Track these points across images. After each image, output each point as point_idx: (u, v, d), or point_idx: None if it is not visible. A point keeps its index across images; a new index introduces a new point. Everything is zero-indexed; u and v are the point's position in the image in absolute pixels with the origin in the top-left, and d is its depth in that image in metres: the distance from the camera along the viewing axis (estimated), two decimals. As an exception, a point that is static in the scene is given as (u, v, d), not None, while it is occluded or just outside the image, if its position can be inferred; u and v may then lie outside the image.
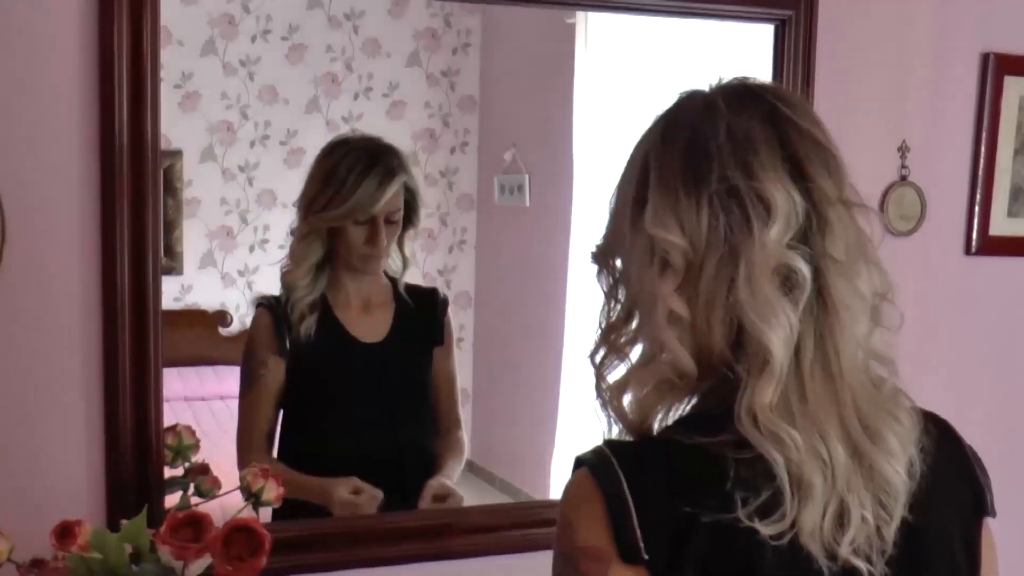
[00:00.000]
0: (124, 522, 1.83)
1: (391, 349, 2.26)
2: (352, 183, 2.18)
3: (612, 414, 1.22)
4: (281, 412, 2.28)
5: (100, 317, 1.95)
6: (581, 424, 3.33)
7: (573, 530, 1.12)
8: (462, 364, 4.91)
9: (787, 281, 1.12)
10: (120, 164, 1.90)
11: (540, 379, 3.83)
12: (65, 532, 1.76)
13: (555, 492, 3.36)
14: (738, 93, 1.20)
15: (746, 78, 1.25)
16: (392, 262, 2.32)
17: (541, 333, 3.85)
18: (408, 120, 4.67)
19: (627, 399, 1.20)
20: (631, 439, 1.18)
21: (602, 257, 1.29)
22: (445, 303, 2.36)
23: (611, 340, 1.25)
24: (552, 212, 3.75)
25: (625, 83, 3.32)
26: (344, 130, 4.54)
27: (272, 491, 1.95)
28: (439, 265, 4.98)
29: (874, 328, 1.19)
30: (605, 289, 1.28)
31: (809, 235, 1.15)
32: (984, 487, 1.31)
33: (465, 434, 2.36)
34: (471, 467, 4.74)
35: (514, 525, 2.29)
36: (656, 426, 1.18)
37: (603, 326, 1.28)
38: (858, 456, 1.15)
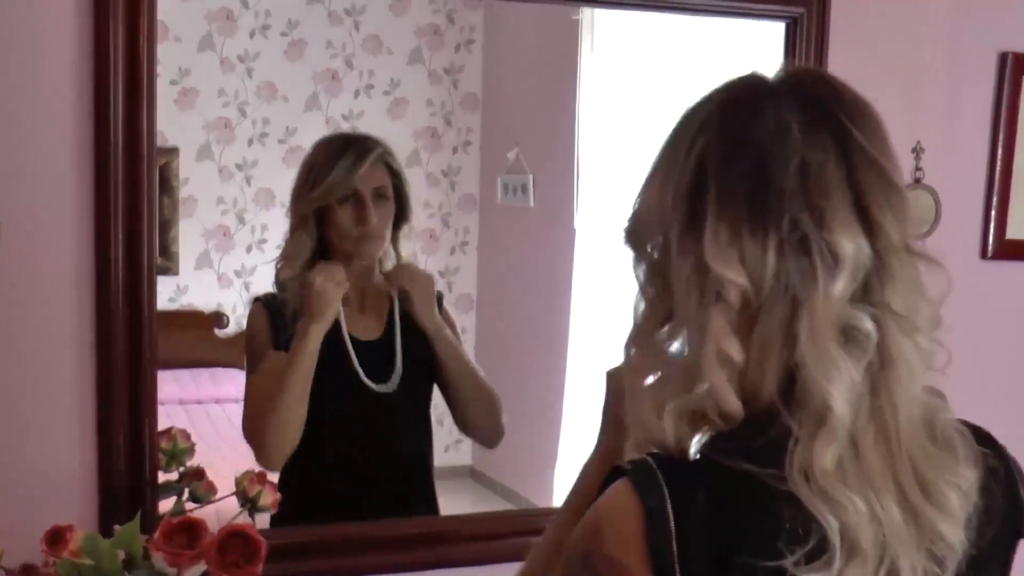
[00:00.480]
0: (117, 527, 1.83)
1: (388, 347, 2.26)
2: (329, 163, 2.19)
3: (645, 423, 1.17)
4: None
5: (93, 318, 1.95)
6: (586, 430, 3.32)
7: (601, 536, 1.10)
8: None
9: (849, 337, 1.09)
10: (115, 162, 1.90)
11: (544, 384, 3.83)
12: (56, 537, 1.76)
13: (558, 499, 3.35)
14: (813, 112, 1.14)
15: (820, 76, 1.20)
16: (390, 261, 2.32)
17: (545, 337, 3.85)
18: (409, 118, 4.67)
19: (660, 413, 1.16)
20: (669, 455, 1.14)
21: (636, 238, 1.23)
22: (440, 297, 2.36)
23: (644, 341, 1.20)
24: (556, 213, 3.75)
25: (631, 81, 3.32)
26: (345, 128, 4.54)
27: (269, 497, 1.95)
28: (440, 266, 4.97)
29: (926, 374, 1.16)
30: (640, 278, 1.22)
31: (869, 283, 1.12)
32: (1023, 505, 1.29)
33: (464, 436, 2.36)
34: (472, 473, 4.74)
35: (516, 533, 2.29)
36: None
37: (637, 322, 1.23)
38: (913, 515, 1.12)
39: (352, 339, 2.23)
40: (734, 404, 1.09)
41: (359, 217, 2.20)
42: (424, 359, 2.32)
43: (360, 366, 2.22)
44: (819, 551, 1.08)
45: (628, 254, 1.22)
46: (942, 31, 2.73)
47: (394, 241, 2.35)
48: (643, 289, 1.20)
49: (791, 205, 1.07)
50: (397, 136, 4.50)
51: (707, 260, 1.08)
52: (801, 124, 1.11)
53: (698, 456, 1.12)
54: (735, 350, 1.08)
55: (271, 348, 2.15)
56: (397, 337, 2.27)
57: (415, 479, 2.33)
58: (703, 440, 1.12)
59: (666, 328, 1.16)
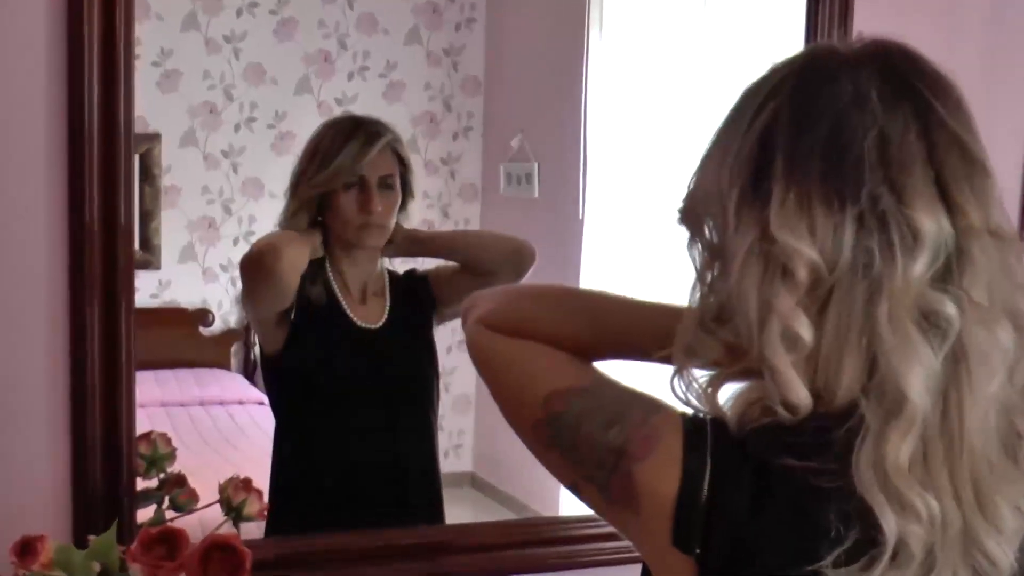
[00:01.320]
0: (92, 538, 1.82)
1: (388, 330, 2.27)
2: (336, 147, 2.20)
3: (703, 404, 1.16)
4: (272, 413, 2.28)
5: (67, 315, 1.94)
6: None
7: (648, 405, 1.13)
8: (463, 367, 4.90)
9: (930, 322, 1.07)
10: (90, 149, 1.89)
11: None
12: (26, 549, 1.76)
13: (565, 508, 3.35)
14: (894, 83, 1.12)
15: (901, 47, 1.18)
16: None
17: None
18: (406, 102, 4.67)
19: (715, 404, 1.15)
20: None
21: (692, 217, 1.20)
22: (424, 277, 2.37)
23: (698, 328, 1.18)
24: (563, 204, 3.74)
25: (642, 63, 3.31)
26: (337, 113, 4.53)
27: (255, 505, 1.94)
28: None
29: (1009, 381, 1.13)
30: (697, 261, 1.20)
31: (949, 268, 1.10)
32: None
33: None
34: (473, 481, 4.74)
35: (520, 544, 2.28)
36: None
37: (692, 308, 1.20)
38: (964, 528, 1.11)
39: (356, 326, 2.24)
40: (801, 395, 1.07)
41: (363, 205, 2.21)
42: (426, 347, 2.33)
43: (363, 355, 2.24)
44: (860, 551, 1.07)
45: (683, 235, 1.19)
46: (979, 4, 2.70)
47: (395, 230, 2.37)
48: (700, 273, 1.18)
49: (870, 176, 1.05)
50: (393, 121, 4.47)
51: (773, 230, 1.06)
52: (881, 94, 1.09)
53: (753, 444, 1.10)
54: (805, 329, 1.06)
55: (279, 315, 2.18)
56: (397, 326, 2.28)
57: (419, 486, 2.33)
58: (757, 428, 1.10)
59: (724, 313, 1.14)
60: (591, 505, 1.24)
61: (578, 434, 1.22)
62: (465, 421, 5.02)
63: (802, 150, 1.07)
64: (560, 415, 1.25)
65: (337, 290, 2.24)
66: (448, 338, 4.71)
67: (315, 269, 2.22)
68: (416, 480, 2.34)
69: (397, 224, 2.29)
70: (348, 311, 2.21)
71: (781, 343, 1.05)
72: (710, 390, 1.15)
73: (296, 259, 2.09)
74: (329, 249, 2.23)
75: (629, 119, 3.38)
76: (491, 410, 4.80)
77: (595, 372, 1.29)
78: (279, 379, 2.25)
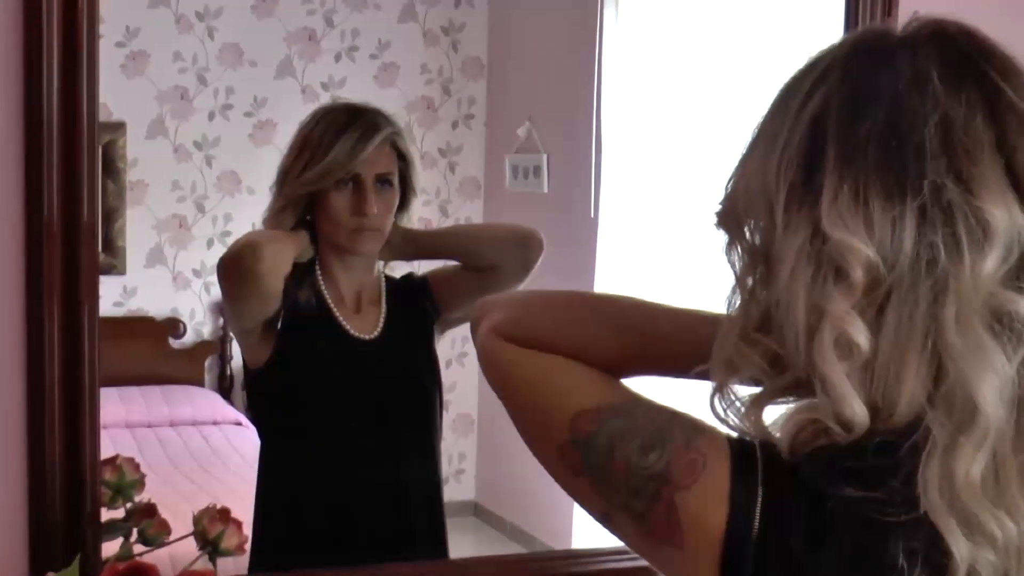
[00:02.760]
0: (51, 574, 1.82)
1: (385, 341, 2.26)
2: (328, 141, 2.17)
3: (748, 426, 1.15)
4: (257, 435, 2.28)
5: (22, 326, 1.94)
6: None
7: (690, 426, 1.13)
8: (465, 384, 4.90)
9: (1003, 324, 1.07)
10: (48, 140, 1.88)
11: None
12: (-21, 587, 1.75)
13: (579, 540, 3.33)
14: (956, 64, 1.11)
15: (962, 26, 1.17)
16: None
17: (561, 347, 3.83)
18: (401, 87, 4.65)
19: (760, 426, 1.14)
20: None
21: (732, 219, 1.18)
22: (423, 280, 2.36)
23: (737, 340, 1.16)
24: (575, 200, 3.74)
25: (662, 44, 3.31)
26: (324, 99, 4.52)
27: (233, 538, 1.94)
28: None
29: None
30: (736, 266, 1.18)
31: (1021, 267, 1.09)
32: None
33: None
34: (476, 510, 4.73)
35: (528, 581, 2.28)
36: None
37: (730, 317, 1.19)
38: None
39: (350, 336, 2.24)
40: (857, 407, 1.06)
41: (357, 206, 2.19)
42: (427, 359, 2.33)
43: (359, 368, 2.23)
44: None
45: (721, 239, 1.18)
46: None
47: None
48: (740, 279, 1.16)
49: (933, 164, 1.04)
50: (386, 108, 4.45)
51: (825, 228, 1.05)
52: (942, 76, 1.08)
53: (808, 471, 1.09)
54: (861, 335, 1.04)
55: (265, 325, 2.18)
56: (395, 337, 2.28)
57: (421, 511, 2.32)
58: (812, 452, 1.09)
59: (767, 323, 1.13)
60: (624, 537, 1.22)
61: (612, 459, 1.19)
62: (466, 444, 5.00)
63: (856, 138, 1.06)
64: (590, 437, 1.22)
65: (329, 298, 2.23)
66: (447, 351, 4.69)
67: (303, 274, 2.21)
68: (417, 508, 2.33)
69: (395, 224, 2.28)
70: (341, 320, 2.20)
71: (834, 351, 1.04)
72: (754, 410, 1.14)
73: (279, 259, 2.07)
74: (319, 253, 2.22)
75: (647, 106, 3.37)
76: (496, 431, 4.82)
77: (627, 389, 1.27)
78: (265, 397, 2.24)
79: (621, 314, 1.37)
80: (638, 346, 1.31)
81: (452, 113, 4.69)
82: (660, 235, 3.30)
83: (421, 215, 4.50)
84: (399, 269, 2.54)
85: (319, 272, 2.21)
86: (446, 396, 4.64)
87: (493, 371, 1.43)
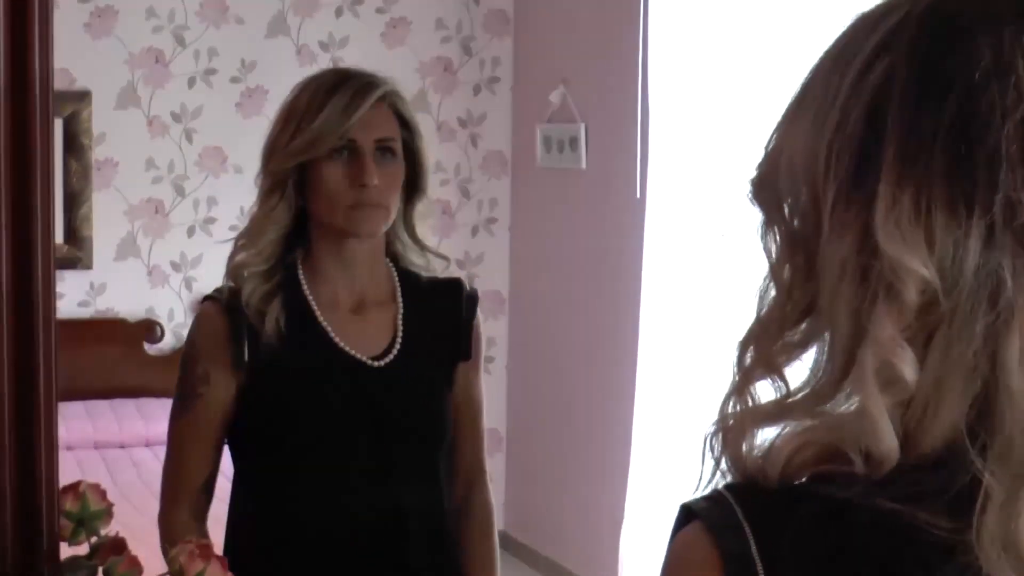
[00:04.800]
0: (3, 623, 1.81)
1: (396, 369, 2.23)
2: (317, 104, 2.14)
3: (724, 451, 1.15)
4: (231, 460, 2.26)
5: (-31, 329, 1.94)
6: (664, 479, 3.30)
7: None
8: (491, 394, 4.86)
9: None
10: (-4, 110, 1.88)
11: (604, 416, 3.81)
12: (-81, 638, 1.76)
13: (627, 574, 3.33)
14: None
15: None
16: (399, 245, 2.29)
17: (605, 350, 3.83)
18: (413, 46, 4.64)
19: (760, 440, 1.14)
20: (755, 484, 1.12)
21: (768, 193, 1.16)
22: (473, 300, 2.31)
23: (764, 343, 1.15)
24: (618, 177, 3.73)
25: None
26: (323, 60, 4.50)
27: (217, 578, 1.93)
28: (458, 252, 4.90)
29: None
30: (771, 251, 1.16)
31: None
32: None
33: (492, 493, 2.32)
34: (505, 541, 4.72)
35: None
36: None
37: (761, 315, 1.17)
38: None
39: (344, 356, 2.20)
40: (889, 444, 1.05)
41: (355, 175, 2.14)
42: (444, 388, 2.29)
43: (354, 397, 2.20)
44: None
45: (755, 217, 1.16)
46: None
47: (407, 220, 2.31)
48: (775, 269, 1.15)
49: (1008, 176, 1.03)
50: (395, 71, 4.42)
51: (879, 239, 1.03)
52: None
53: (799, 483, 1.09)
54: (909, 367, 1.03)
55: (223, 368, 2.12)
56: (408, 356, 2.24)
57: (423, 548, 2.31)
58: (818, 472, 1.09)
59: (803, 326, 1.12)
60: None
61: None
62: (493, 465, 4.96)
63: (922, 135, 1.04)
64: None
65: (316, 305, 2.19)
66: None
67: (282, 280, 2.17)
68: (418, 541, 2.31)
69: (409, 219, 2.24)
70: (333, 335, 2.16)
71: (875, 381, 1.04)
72: (752, 424, 1.13)
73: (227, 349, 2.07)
74: (309, 246, 2.19)
75: (701, 67, 3.35)
76: (527, 449, 4.83)
77: None
78: (236, 428, 2.23)
79: None
80: None
81: (474, 76, 4.67)
82: (717, 218, 3.28)
83: (437, 195, 4.50)
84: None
85: (302, 275, 2.17)
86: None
87: None
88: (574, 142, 3.98)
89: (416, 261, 2.20)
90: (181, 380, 2.13)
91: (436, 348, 2.16)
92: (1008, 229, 1.02)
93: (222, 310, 2.03)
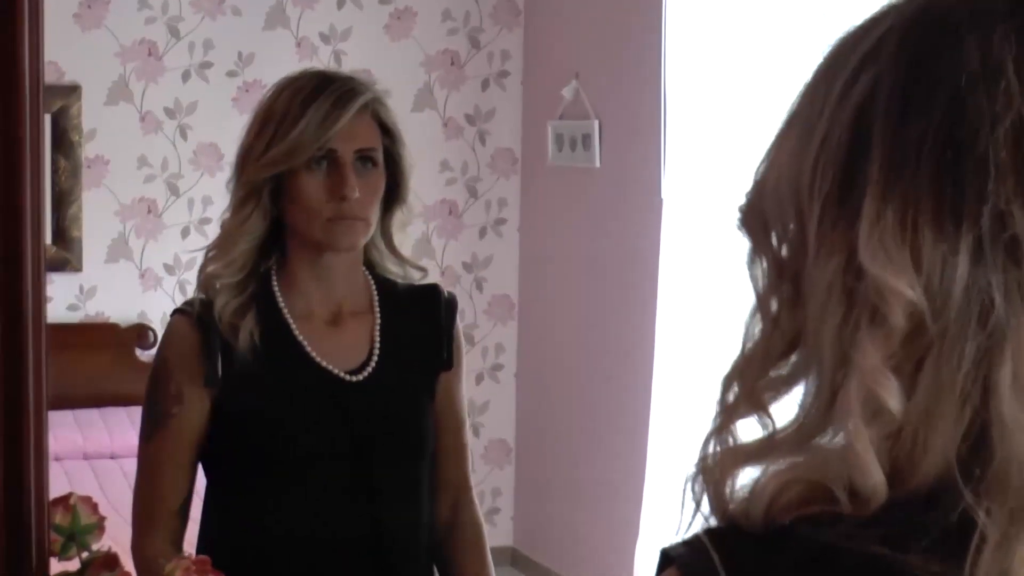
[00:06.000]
0: (-10, 642, 1.82)
1: (374, 383, 2.23)
2: (296, 111, 2.15)
3: (705, 493, 1.15)
4: (203, 478, 2.27)
5: (-46, 334, 1.95)
6: (681, 493, 3.29)
7: None
8: (500, 404, 4.88)
9: None
10: (-18, 105, 1.89)
11: (617, 426, 3.81)
12: (-98, 657, 1.76)
13: (640, 597, 3.33)
14: None
15: None
16: (376, 253, 2.29)
17: (619, 357, 3.83)
18: (418, 38, 4.63)
19: (741, 480, 1.13)
20: (736, 526, 1.12)
21: (755, 221, 1.16)
22: (452, 307, 2.32)
23: (748, 378, 1.16)
24: (634, 176, 3.73)
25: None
26: (324, 53, 4.51)
27: (212, 595, 1.94)
28: (465, 256, 4.91)
29: None
30: (758, 282, 1.16)
31: None
32: None
33: (479, 508, 2.32)
34: (513, 558, 4.72)
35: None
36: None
37: (747, 348, 1.18)
38: None
39: (320, 370, 2.20)
40: (875, 480, 1.05)
41: (334, 187, 2.15)
42: (425, 399, 2.29)
43: (331, 411, 2.20)
44: None
45: (744, 246, 1.17)
46: None
47: (384, 230, 2.31)
48: (761, 299, 1.15)
49: (998, 186, 1.02)
50: (400, 65, 4.46)
51: (862, 259, 1.02)
52: (1020, 65, 1.06)
53: (784, 527, 1.08)
54: (894, 397, 1.03)
55: (195, 385, 2.12)
56: (387, 367, 2.24)
57: (407, 569, 2.31)
58: (802, 515, 1.09)
59: (791, 359, 1.12)
60: None
61: None
62: (502, 477, 4.99)
63: (907, 143, 1.03)
64: None
65: (291, 319, 2.19)
66: (478, 363, 4.70)
67: (255, 291, 2.17)
68: (402, 562, 2.32)
69: (387, 228, 2.24)
70: (308, 348, 2.16)
71: (860, 414, 1.03)
72: (734, 463, 1.12)
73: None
74: (286, 257, 2.19)
75: (723, 60, 3.35)
76: (537, 462, 4.83)
77: None
78: (206, 454, 2.24)
79: None
80: None
81: (482, 70, 4.67)
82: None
83: (443, 196, 4.52)
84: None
85: (277, 286, 2.17)
86: (478, 419, 4.65)
87: None
88: (587, 139, 3.98)
89: (393, 269, 2.19)
90: (151, 399, 2.13)
91: (416, 358, 2.16)
92: (998, 243, 1.01)
93: (193, 324, 2.02)
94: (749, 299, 1.10)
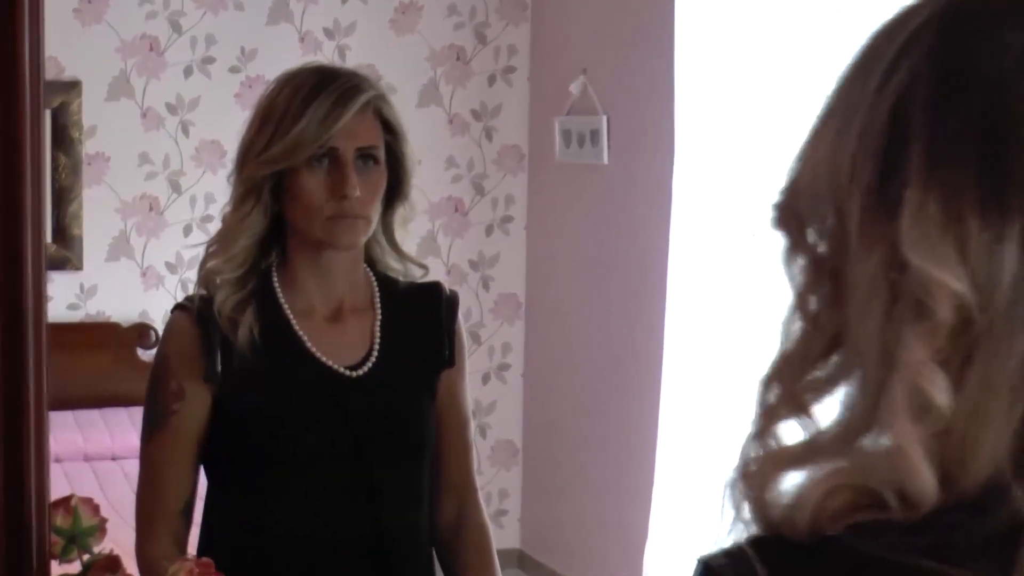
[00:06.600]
0: (-11, 646, 1.82)
1: (374, 379, 2.23)
2: (297, 108, 2.15)
3: (747, 499, 1.13)
4: (204, 475, 2.28)
5: (-47, 334, 1.95)
6: (691, 494, 3.30)
7: None
8: (507, 404, 4.88)
9: None
10: (-18, 101, 1.90)
11: (625, 427, 3.81)
12: (-100, 661, 1.77)
13: (649, 600, 3.33)
14: None
15: None
16: (377, 249, 2.30)
17: (627, 357, 3.83)
18: (423, 33, 4.64)
19: (786, 486, 1.12)
20: (782, 536, 1.10)
21: (792, 219, 1.15)
22: (454, 304, 2.33)
23: (789, 379, 1.14)
24: (643, 173, 3.73)
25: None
26: (328, 49, 4.51)
27: (215, 598, 1.94)
28: (471, 254, 4.91)
29: None
30: (796, 280, 1.15)
31: None
32: None
33: (485, 510, 2.32)
34: (520, 560, 4.72)
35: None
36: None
37: (786, 348, 1.16)
38: None
39: (321, 367, 2.20)
40: (926, 481, 1.04)
41: (335, 185, 2.15)
42: (426, 397, 2.30)
43: (331, 408, 2.21)
44: None
45: (779, 244, 1.16)
46: None
47: (386, 227, 2.32)
48: (800, 298, 1.14)
49: None
50: (405, 60, 4.47)
51: (905, 251, 1.02)
52: None
53: (829, 539, 1.07)
54: (941, 392, 1.02)
55: (195, 381, 2.13)
56: (388, 365, 2.24)
57: (408, 570, 2.32)
58: (854, 526, 1.07)
59: (832, 359, 1.10)
60: None
61: None
62: (509, 479, 4.99)
63: (948, 133, 1.02)
64: None
65: (291, 315, 2.19)
66: (484, 363, 4.70)
67: (256, 287, 2.18)
68: (403, 563, 2.32)
69: (388, 224, 2.24)
70: (309, 344, 2.16)
71: (907, 412, 1.02)
72: (776, 469, 1.11)
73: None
74: (286, 254, 2.20)
75: (733, 53, 3.35)
76: (544, 463, 4.82)
77: None
78: (206, 452, 2.24)
79: None
80: None
81: (488, 65, 4.67)
82: (749, 217, 3.27)
83: (449, 193, 4.52)
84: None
85: (277, 282, 2.17)
86: (484, 419, 4.65)
87: None
88: (595, 135, 3.98)
89: (394, 266, 2.19)
90: (152, 398, 2.12)
91: (416, 356, 2.16)
92: None
93: (193, 320, 2.02)
94: (786, 298, 1.10)
